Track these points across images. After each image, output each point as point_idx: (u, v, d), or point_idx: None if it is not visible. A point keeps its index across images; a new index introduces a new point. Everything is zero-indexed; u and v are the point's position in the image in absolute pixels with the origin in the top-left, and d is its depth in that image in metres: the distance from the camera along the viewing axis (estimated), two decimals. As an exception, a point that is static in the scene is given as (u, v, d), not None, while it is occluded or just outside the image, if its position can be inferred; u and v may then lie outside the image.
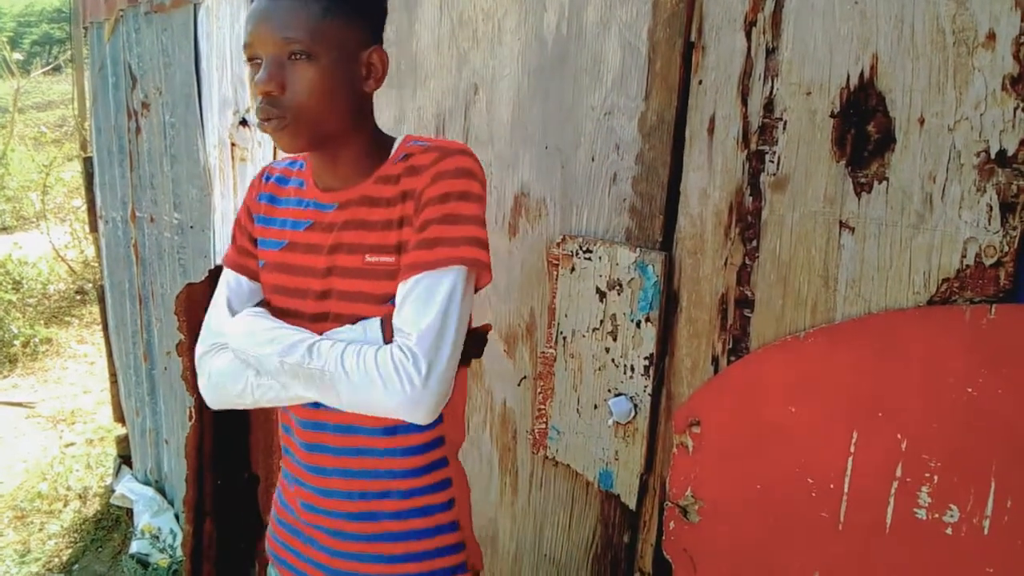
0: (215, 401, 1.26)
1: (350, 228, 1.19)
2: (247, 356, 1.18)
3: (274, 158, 2.71)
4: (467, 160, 1.17)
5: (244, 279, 1.29)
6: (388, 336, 1.14)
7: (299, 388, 1.15)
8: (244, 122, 2.89)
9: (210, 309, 1.29)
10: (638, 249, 1.47)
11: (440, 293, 1.11)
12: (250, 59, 1.14)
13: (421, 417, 1.10)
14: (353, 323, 1.18)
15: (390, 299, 1.17)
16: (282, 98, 1.11)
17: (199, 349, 1.27)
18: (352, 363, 1.09)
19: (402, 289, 1.13)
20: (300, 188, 1.27)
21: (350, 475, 1.24)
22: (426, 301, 1.11)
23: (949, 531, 1.05)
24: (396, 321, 1.13)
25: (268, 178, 1.32)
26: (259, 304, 1.28)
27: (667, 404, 1.47)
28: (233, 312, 1.26)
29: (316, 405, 1.20)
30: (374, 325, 1.15)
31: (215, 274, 3.03)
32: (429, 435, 1.25)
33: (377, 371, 1.08)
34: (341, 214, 1.20)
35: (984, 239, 1.02)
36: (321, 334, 1.16)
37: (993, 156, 1.00)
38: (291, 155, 1.29)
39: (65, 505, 4.44)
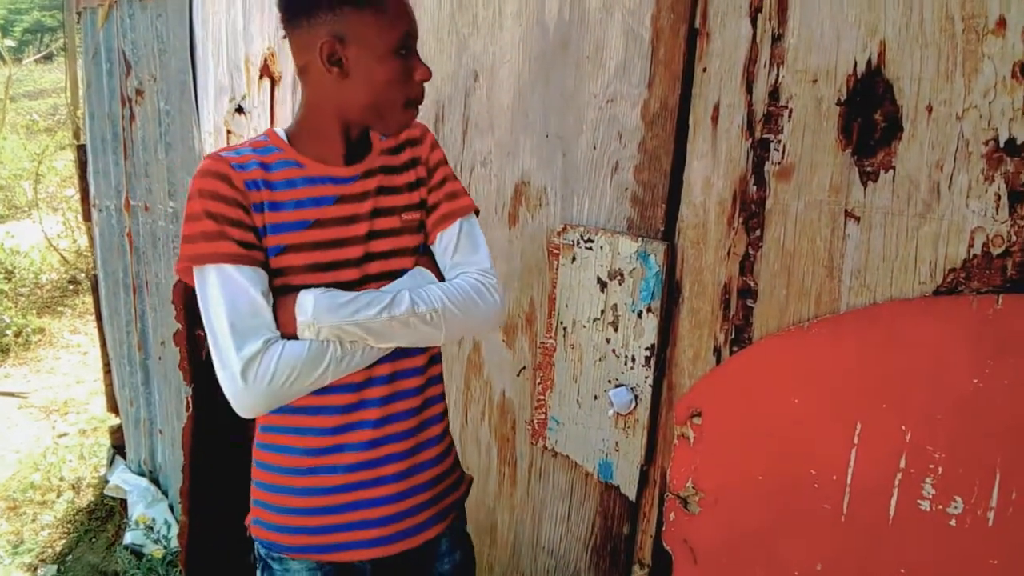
0: (278, 396, 1.21)
1: (383, 194, 1.34)
2: (348, 325, 1.22)
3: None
4: None
5: (260, 270, 1.24)
6: (438, 275, 1.36)
7: (399, 339, 1.28)
8: (240, 109, 2.86)
9: (225, 309, 1.19)
10: (640, 238, 1.46)
11: (476, 231, 1.40)
12: (401, 47, 1.23)
13: (501, 322, 1.42)
14: (390, 279, 1.32)
15: (418, 249, 1.38)
16: None
17: (245, 351, 1.18)
18: (456, 295, 1.30)
19: (446, 235, 1.38)
20: (299, 168, 1.28)
21: (409, 415, 1.37)
22: (472, 239, 1.39)
23: (953, 523, 1.05)
24: (456, 258, 1.37)
25: (242, 167, 1.25)
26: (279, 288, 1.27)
27: (668, 395, 1.46)
28: (267, 302, 1.23)
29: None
30: (422, 272, 1.34)
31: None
32: (440, 366, 1.45)
33: (475, 294, 1.32)
34: (369, 182, 1.32)
35: (992, 229, 1.01)
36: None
37: (1002, 145, 0.99)
38: (244, 143, 1.32)
39: (58, 496, 4.42)
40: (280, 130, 1.33)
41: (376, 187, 1.33)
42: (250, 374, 1.19)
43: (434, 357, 1.41)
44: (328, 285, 1.26)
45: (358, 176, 1.31)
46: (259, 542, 1.39)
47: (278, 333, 1.22)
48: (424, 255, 1.38)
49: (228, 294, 1.20)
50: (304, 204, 1.26)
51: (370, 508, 1.33)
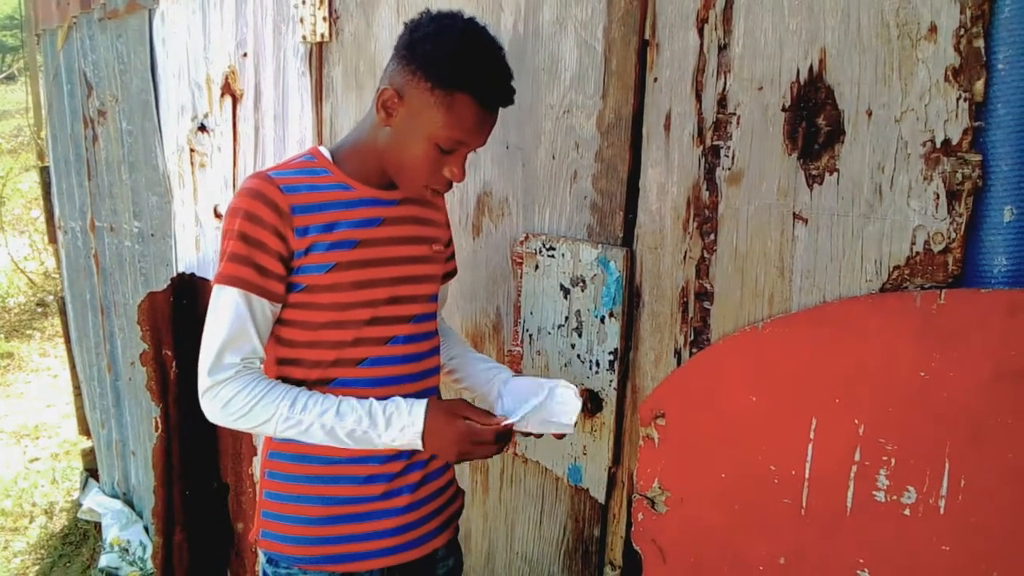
0: (227, 424, 1.29)
1: (415, 222, 1.40)
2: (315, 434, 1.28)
3: (234, 164, 2.69)
4: None
5: (267, 304, 1.27)
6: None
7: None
8: (203, 127, 2.86)
9: (220, 332, 1.25)
10: (600, 245, 1.48)
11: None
12: (446, 146, 1.25)
13: None
14: (414, 303, 1.39)
15: (441, 280, 1.49)
16: None
17: (217, 375, 1.25)
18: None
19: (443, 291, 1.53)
20: (348, 191, 1.33)
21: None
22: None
23: (907, 512, 1.08)
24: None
25: (292, 189, 1.27)
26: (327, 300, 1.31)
27: (632, 398, 1.49)
28: (261, 339, 1.27)
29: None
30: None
31: (177, 283, 2.99)
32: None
33: None
34: (408, 209, 1.39)
35: (932, 227, 1.04)
36: (394, 317, 1.36)
37: (938, 145, 1.03)
38: (292, 163, 1.35)
39: (31, 521, 4.36)
40: (325, 150, 1.37)
41: (413, 215, 1.40)
42: (209, 395, 1.27)
43: (437, 370, 1.49)
44: (365, 302, 1.32)
45: (398, 201, 1.37)
46: (269, 556, 1.40)
47: (256, 367, 1.28)
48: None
49: (230, 319, 1.25)
50: (353, 224, 1.31)
51: (387, 518, 1.37)
